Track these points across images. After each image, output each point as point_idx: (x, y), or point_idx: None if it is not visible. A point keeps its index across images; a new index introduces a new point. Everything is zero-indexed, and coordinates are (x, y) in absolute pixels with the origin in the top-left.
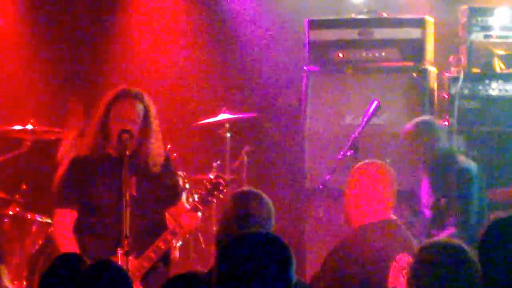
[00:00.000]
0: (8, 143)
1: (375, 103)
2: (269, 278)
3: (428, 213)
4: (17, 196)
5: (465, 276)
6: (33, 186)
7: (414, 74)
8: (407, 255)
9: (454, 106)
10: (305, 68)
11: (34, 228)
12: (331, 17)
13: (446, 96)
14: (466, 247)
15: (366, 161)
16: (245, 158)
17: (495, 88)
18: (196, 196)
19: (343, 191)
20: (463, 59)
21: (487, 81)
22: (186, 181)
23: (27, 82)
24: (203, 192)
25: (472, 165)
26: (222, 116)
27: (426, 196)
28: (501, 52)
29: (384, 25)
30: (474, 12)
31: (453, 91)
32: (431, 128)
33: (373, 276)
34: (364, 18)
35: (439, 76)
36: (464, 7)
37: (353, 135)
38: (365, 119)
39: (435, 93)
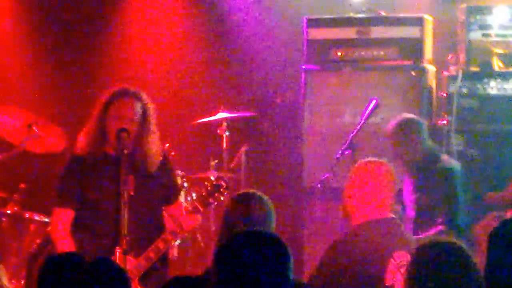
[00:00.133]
0: (7, 142)
1: (374, 101)
2: (267, 277)
3: (411, 212)
4: (15, 195)
5: (464, 275)
6: (32, 185)
7: (413, 73)
8: (405, 253)
9: (453, 104)
10: (303, 66)
11: (32, 227)
12: (329, 16)
13: (445, 95)
14: (464, 245)
15: (367, 159)
16: (243, 156)
17: (493, 87)
18: (194, 195)
19: (341, 189)
20: (462, 57)
21: (485, 80)
22: (184, 180)
23: (25, 81)
24: (203, 194)
25: (455, 164)
26: (220, 115)
27: (408, 195)
28: (500, 51)
29: (382, 23)
30: (473, 10)
31: (451, 89)
32: (414, 126)
33: (370, 274)
34: (362, 17)
35: (438, 74)
36: (463, 5)
37: (351, 134)
38: (364, 118)
39: (434, 92)
